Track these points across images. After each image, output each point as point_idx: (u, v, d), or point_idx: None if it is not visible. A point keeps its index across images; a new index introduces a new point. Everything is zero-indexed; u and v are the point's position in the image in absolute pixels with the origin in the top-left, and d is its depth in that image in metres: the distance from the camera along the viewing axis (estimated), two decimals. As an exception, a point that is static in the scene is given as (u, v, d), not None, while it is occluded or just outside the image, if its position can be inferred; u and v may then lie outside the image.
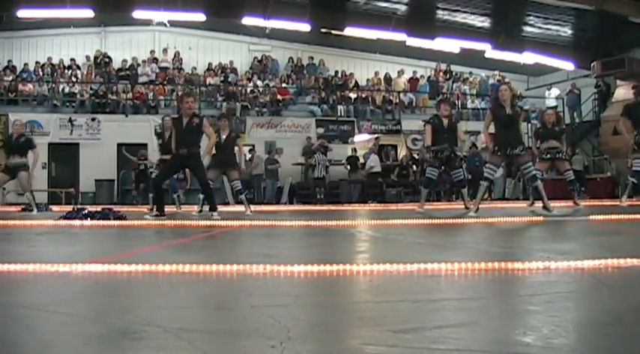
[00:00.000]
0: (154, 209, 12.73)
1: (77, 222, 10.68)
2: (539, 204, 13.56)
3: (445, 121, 13.74)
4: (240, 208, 14.74)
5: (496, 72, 33.09)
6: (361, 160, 26.29)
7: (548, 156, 14.68)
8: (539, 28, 29.71)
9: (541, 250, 6.26)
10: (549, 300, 3.59)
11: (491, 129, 12.48)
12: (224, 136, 14.31)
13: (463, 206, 14.10)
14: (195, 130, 12.39)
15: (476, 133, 28.45)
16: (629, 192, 14.59)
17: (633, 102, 14.67)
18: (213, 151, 13.79)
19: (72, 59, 28.40)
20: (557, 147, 14.67)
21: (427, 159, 14.46)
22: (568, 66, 31.56)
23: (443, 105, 14.12)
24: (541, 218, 10.88)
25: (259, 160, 25.04)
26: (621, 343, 2.68)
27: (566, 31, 30.09)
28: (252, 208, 15.12)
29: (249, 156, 23.87)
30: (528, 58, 30.96)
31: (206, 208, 13.75)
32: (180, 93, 16.04)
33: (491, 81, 32.96)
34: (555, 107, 29.28)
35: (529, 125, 26.61)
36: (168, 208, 13.62)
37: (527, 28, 30.10)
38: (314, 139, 26.54)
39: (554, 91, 31.54)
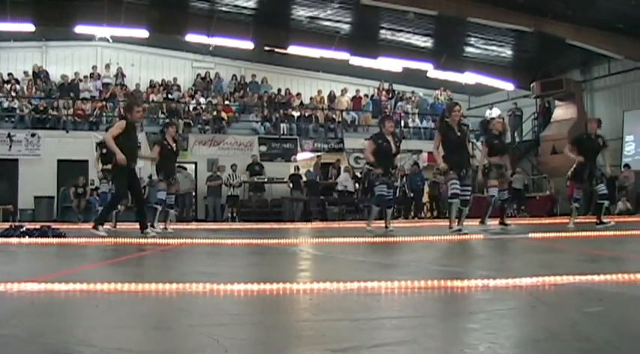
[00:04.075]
0: (147, 226, 12.29)
1: (14, 240, 10.47)
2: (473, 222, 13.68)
3: (392, 143, 13.14)
4: (177, 226, 14.52)
5: (437, 92, 33.43)
6: (304, 179, 26.30)
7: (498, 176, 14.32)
8: (480, 48, 30.21)
9: (480, 267, 6.32)
10: (487, 317, 3.62)
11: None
12: (174, 145, 13.95)
13: (383, 226, 13.43)
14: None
15: (417, 151, 28.73)
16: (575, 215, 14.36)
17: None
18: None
19: (9, 74, 27.93)
20: (504, 164, 14.07)
21: (376, 176, 13.59)
22: (508, 86, 32.14)
23: (387, 122, 13.61)
24: (481, 236, 10.99)
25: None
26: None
27: (507, 52, 30.67)
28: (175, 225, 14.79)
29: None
30: (469, 78, 31.44)
31: (160, 225, 13.58)
32: (127, 100, 15.28)
33: (430, 100, 33.36)
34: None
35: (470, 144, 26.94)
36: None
37: (469, 49, 30.60)
38: (257, 157, 26.63)
39: (495, 111, 32.01)
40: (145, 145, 22.21)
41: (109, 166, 13.58)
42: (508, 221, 14.13)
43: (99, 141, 15.52)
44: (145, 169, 18.72)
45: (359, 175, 26.67)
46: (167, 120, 25.94)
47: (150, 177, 14.64)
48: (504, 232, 12.52)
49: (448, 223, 12.17)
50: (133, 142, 11.93)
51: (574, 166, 13.88)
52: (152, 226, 13.09)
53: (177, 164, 14.69)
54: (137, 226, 12.98)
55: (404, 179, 25.46)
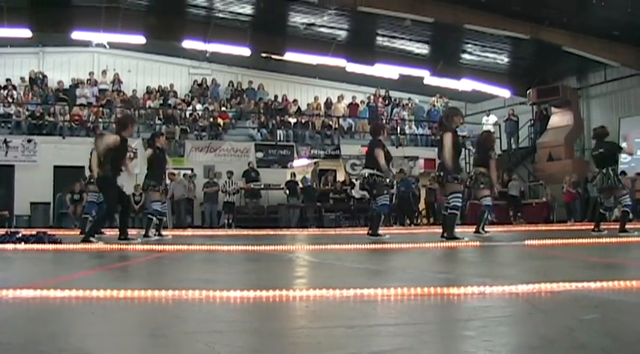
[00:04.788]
0: (128, 234, 12.30)
1: (10, 246, 10.45)
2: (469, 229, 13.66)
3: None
4: (173, 232, 14.46)
5: (434, 99, 33.44)
6: (300, 185, 26.31)
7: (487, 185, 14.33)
8: (477, 55, 30.28)
9: (477, 274, 6.31)
10: (484, 325, 3.61)
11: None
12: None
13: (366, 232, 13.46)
14: None
15: (414, 158, 28.74)
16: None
17: None
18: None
19: (7, 79, 27.93)
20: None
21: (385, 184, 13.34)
22: (505, 93, 32.17)
23: (386, 130, 13.69)
24: (477, 243, 10.97)
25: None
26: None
27: (503, 59, 30.72)
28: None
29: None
30: (466, 84, 31.44)
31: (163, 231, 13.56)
32: (123, 115, 15.25)
33: (427, 107, 33.38)
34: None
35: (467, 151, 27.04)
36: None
37: (465, 56, 30.63)
38: (254, 163, 26.64)
39: (492, 118, 32.08)
40: (141, 151, 22.20)
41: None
42: (487, 229, 14.10)
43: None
44: (139, 176, 18.70)
45: (354, 182, 26.61)
46: (161, 127, 26.12)
47: (144, 187, 14.44)
48: (500, 239, 12.51)
49: (447, 233, 11.81)
50: (121, 157, 12.07)
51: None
52: (147, 235, 13.17)
53: (172, 171, 14.77)
54: (132, 232, 13.09)
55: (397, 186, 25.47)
